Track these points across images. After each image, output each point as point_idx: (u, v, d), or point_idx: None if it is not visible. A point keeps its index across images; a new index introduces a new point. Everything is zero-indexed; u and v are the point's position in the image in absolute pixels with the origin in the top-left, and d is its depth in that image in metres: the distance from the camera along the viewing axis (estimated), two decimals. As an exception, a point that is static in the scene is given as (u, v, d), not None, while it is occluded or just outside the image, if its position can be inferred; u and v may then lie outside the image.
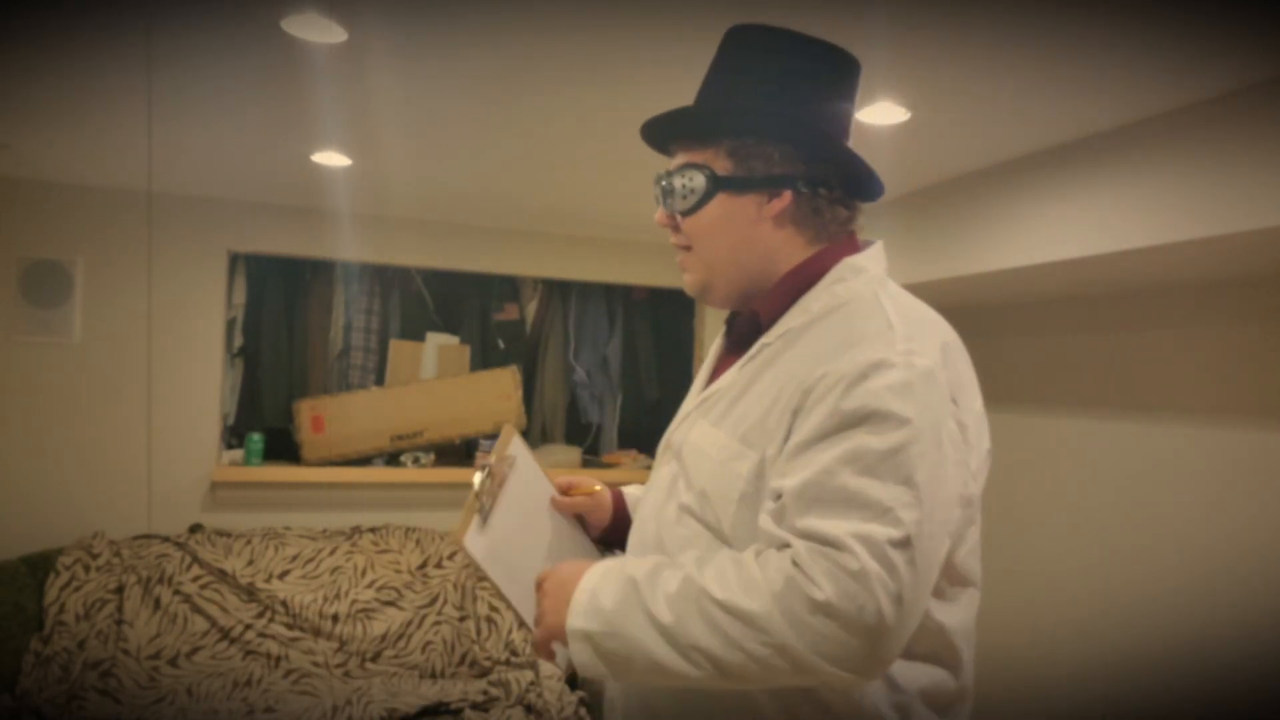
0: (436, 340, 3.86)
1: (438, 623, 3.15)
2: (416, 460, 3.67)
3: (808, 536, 0.92)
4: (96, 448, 3.23)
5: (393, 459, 3.67)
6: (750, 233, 1.12)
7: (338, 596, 3.10)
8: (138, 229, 3.28)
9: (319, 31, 1.70)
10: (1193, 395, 2.50)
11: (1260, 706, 2.22)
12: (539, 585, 1.10)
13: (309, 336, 3.76)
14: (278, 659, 2.94)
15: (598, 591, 1.00)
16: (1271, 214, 1.74)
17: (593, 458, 4.10)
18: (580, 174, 2.76)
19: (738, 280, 1.15)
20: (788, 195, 1.10)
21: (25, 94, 2.18)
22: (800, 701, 1.01)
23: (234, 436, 3.63)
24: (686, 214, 1.14)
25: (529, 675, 2.87)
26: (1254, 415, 2.32)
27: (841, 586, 0.89)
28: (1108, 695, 2.67)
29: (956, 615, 1.06)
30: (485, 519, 1.19)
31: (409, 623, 3.12)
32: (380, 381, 3.79)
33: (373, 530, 3.36)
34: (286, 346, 3.72)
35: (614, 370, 4.18)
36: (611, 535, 1.36)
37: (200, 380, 3.37)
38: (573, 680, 2.92)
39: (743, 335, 1.17)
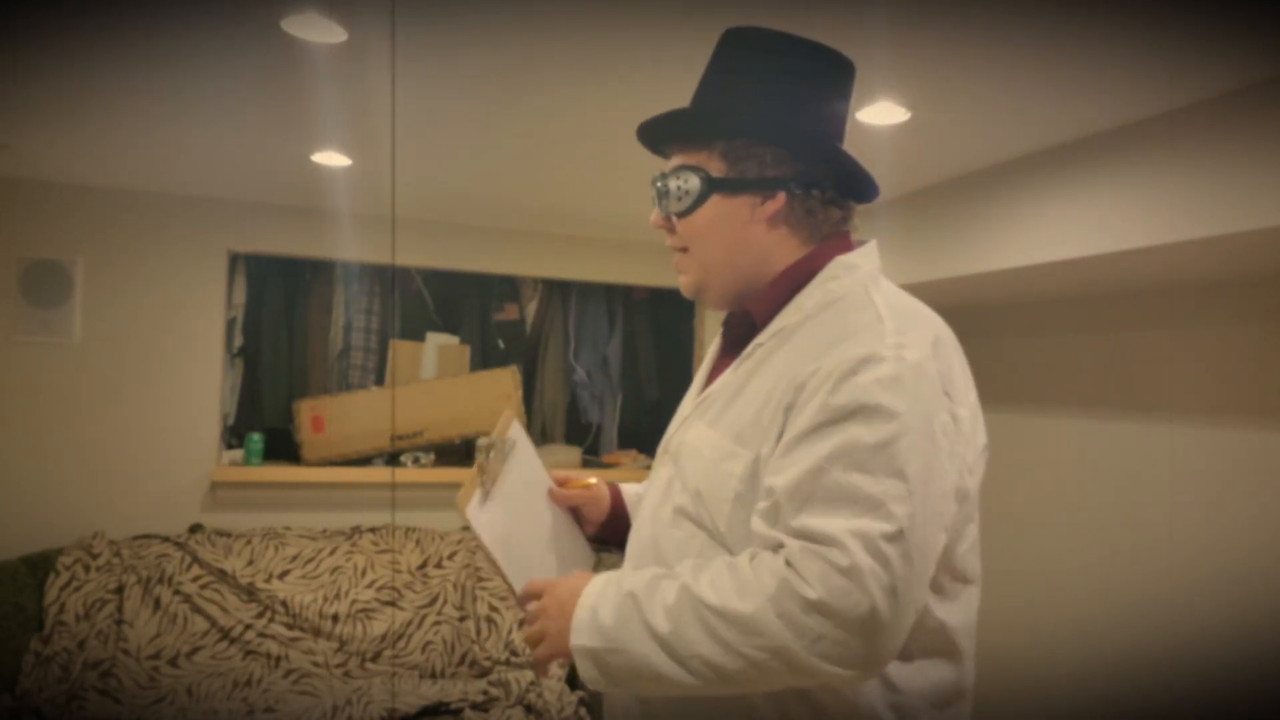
0: (436, 340, 3.86)
1: (438, 623, 3.15)
2: (416, 460, 3.67)
3: (801, 535, 0.93)
4: (96, 448, 3.23)
5: (393, 459, 3.68)
6: (744, 234, 1.12)
7: (338, 596, 3.10)
8: (138, 229, 3.28)
9: (319, 31, 1.70)
10: (1193, 395, 2.50)
11: (1260, 706, 2.22)
12: (536, 596, 1.10)
13: (309, 336, 3.76)
14: (278, 659, 2.94)
15: (597, 608, 1.01)
16: (1271, 214, 1.74)
17: (593, 458, 4.10)
18: (580, 174, 2.76)
19: (733, 281, 1.16)
20: (781, 197, 1.11)
21: (25, 94, 2.18)
22: (794, 702, 1.01)
23: (234, 436, 3.63)
24: (681, 216, 1.15)
25: (529, 675, 2.87)
26: (1254, 415, 2.32)
27: (834, 584, 0.89)
28: (1108, 695, 2.67)
29: (957, 613, 1.06)
30: (487, 494, 1.19)
31: (409, 623, 3.12)
32: (380, 381, 3.79)
33: (373, 530, 3.36)
34: (286, 346, 3.72)
35: (614, 370, 4.18)
36: (607, 531, 1.36)
37: (200, 380, 3.37)
38: (572, 680, 2.92)
39: (738, 336, 1.18)
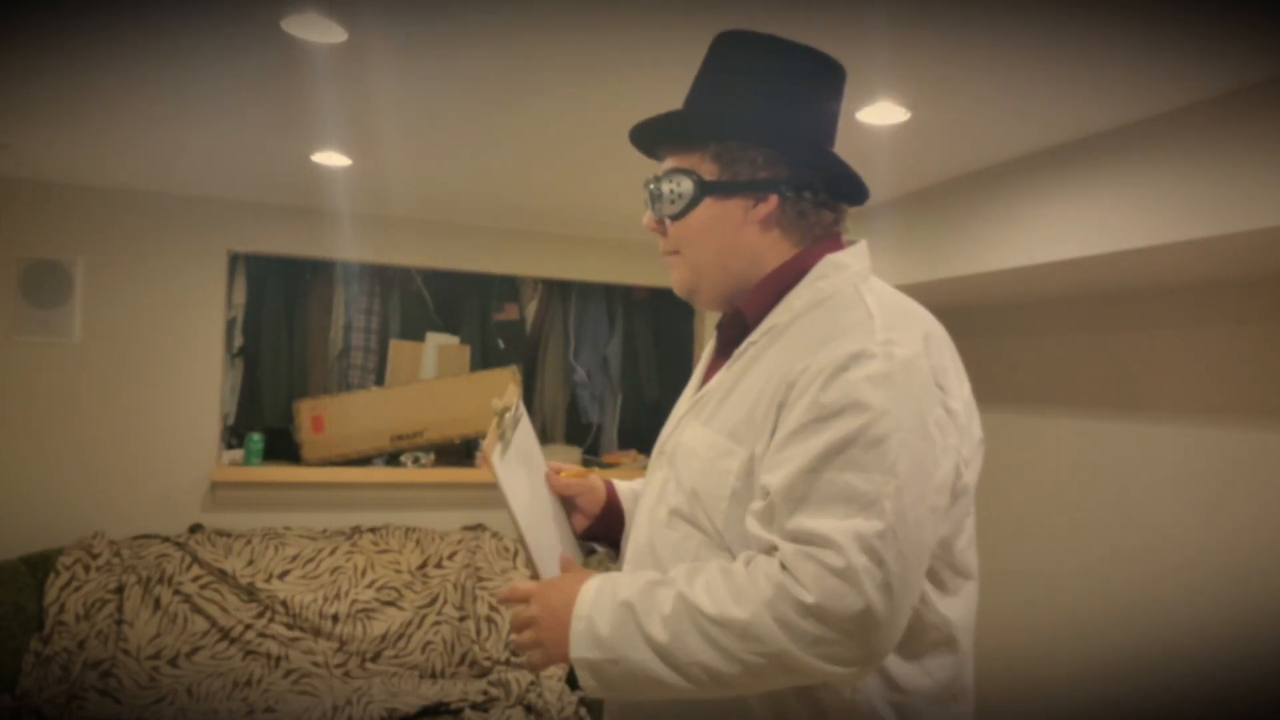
0: (436, 340, 3.87)
1: (438, 623, 3.15)
2: (416, 460, 3.67)
3: (795, 537, 0.93)
4: (96, 448, 3.23)
5: (393, 459, 3.68)
6: (736, 236, 1.13)
7: (338, 596, 3.10)
8: (138, 229, 3.28)
9: (319, 31, 1.70)
10: (1193, 395, 2.50)
11: (1260, 706, 2.22)
12: (523, 600, 1.10)
13: (309, 336, 3.76)
14: (278, 659, 2.94)
15: (593, 619, 1.01)
16: (1271, 214, 1.74)
17: (593, 458, 4.11)
18: (580, 174, 2.76)
19: (725, 283, 1.16)
20: (774, 199, 1.11)
21: (25, 94, 2.18)
22: (791, 699, 1.01)
23: (234, 436, 3.63)
24: (674, 218, 1.15)
25: (529, 675, 2.87)
26: (1254, 415, 2.32)
27: (829, 586, 0.89)
28: (1108, 695, 2.67)
29: (958, 609, 1.07)
30: (506, 447, 1.18)
31: (409, 623, 3.12)
32: (380, 381, 3.79)
33: (373, 530, 3.36)
34: (286, 346, 3.72)
35: (614, 370, 4.18)
36: (601, 525, 1.35)
37: (200, 380, 3.37)
38: (572, 680, 2.92)
39: (732, 337, 1.18)
